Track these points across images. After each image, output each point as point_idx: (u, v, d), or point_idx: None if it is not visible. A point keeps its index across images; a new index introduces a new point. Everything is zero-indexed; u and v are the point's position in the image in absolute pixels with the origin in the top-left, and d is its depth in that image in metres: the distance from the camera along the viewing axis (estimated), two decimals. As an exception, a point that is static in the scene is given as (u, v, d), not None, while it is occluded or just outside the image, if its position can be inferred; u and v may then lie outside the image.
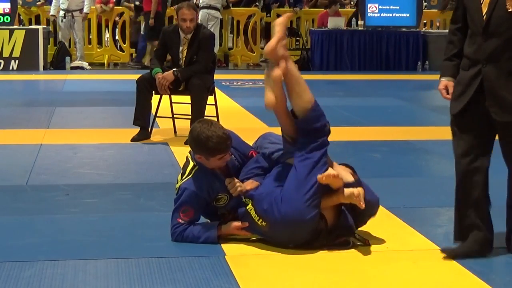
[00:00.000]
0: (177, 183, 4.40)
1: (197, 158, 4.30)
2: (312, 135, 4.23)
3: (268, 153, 4.48)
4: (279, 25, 4.37)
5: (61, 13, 14.89)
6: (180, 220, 4.29)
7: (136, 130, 7.50)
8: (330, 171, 4.18)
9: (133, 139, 7.41)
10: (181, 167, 4.50)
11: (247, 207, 4.25)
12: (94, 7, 15.58)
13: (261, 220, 4.20)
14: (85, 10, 14.94)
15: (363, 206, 4.20)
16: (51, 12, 15.24)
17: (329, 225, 4.24)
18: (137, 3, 15.57)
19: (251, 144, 4.68)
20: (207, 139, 4.20)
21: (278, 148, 4.44)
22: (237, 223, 4.30)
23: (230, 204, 4.36)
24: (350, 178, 4.32)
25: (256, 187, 4.31)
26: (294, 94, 4.26)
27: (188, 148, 4.47)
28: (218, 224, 4.34)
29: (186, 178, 4.33)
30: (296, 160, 4.22)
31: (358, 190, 4.20)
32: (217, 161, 4.29)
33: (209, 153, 4.24)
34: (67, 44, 15.08)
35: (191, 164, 4.38)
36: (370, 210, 4.37)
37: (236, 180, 4.34)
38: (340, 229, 4.26)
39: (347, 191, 4.21)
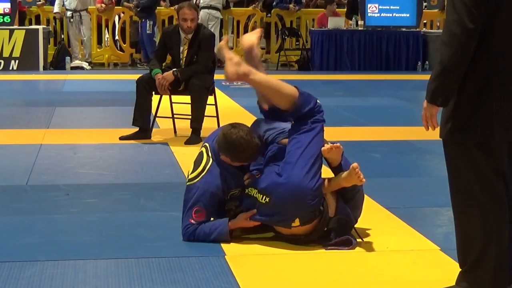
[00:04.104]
0: (189, 176, 4.38)
1: (223, 159, 4.32)
2: (307, 115, 4.26)
3: (271, 137, 4.45)
4: (224, 49, 4.44)
5: (69, 13, 14.95)
6: (192, 221, 4.29)
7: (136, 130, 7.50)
8: (331, 145, 4.23)
9: (121, 138, 7.40)
10: (194, 160, 4.44)
11: (252, 194, 4.25)
12: (94, 6, 15.59)
13: (264, 196, 4.17)
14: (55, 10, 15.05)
15: (364, 180, 4.21)
16: (55, 10, 15.28)
17: (329, 213, 4.24)
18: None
19: None
20: (244, 149, 4.25)
21: (281, 130, 4.44)
22: (245, 214, 4.29)
23: (240, 197, 4.37)
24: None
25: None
26: (275, 99, 4.31)
27: (189, 148, 4.46)
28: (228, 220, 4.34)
29: (201, 176, 4.32)
30: (295, 132, 4.26)
31: (355, 164, 4.21)
32: (242, 164, 4.38)
33: (241, 161, 4.33)
34: (76, 44, 15.10)
35: (205, 159, 4.37)
36: (361, 198, 4.40)
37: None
38: (339, 220, 4.25)
39: (345, 172, 4.23)
